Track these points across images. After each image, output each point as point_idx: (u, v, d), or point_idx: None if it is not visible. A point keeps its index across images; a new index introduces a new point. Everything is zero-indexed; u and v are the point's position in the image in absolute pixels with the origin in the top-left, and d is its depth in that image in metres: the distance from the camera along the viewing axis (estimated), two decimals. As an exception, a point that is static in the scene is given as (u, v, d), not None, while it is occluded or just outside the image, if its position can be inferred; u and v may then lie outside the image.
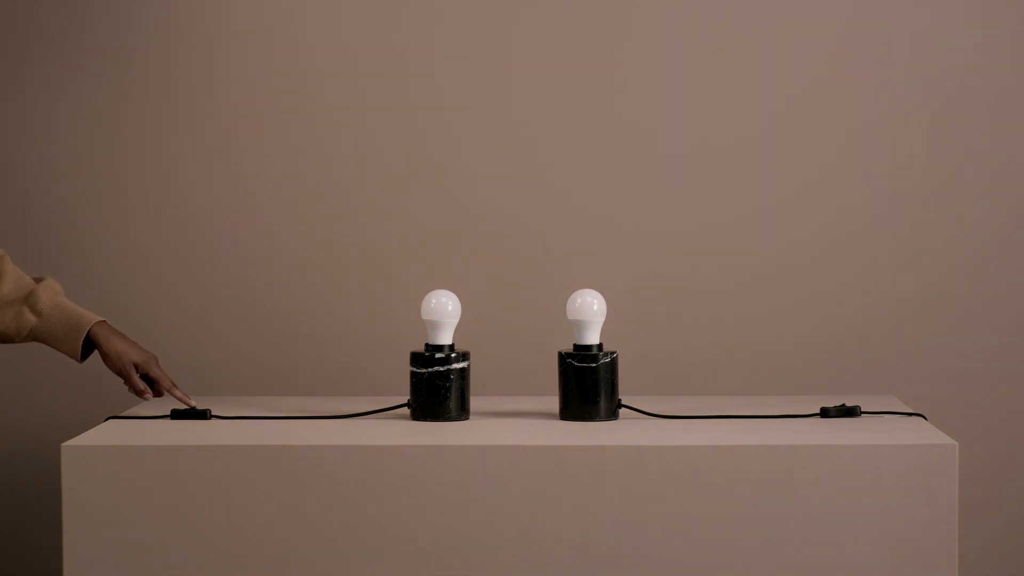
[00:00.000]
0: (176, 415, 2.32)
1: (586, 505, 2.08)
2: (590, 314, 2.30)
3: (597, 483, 2.09)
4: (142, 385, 2.34)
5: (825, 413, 2.32)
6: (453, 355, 2.29)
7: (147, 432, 2.21)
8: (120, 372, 2.33)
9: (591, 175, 2.87)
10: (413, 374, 2.30)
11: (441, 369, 2.28)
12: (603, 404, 2.28)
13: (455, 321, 2.32)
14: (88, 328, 2.31)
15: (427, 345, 2.31)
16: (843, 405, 2.33)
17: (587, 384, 2.28)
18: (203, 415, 2.32)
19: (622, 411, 2.33)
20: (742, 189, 2.86)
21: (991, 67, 2.83)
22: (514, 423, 2.29)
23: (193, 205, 2.87)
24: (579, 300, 2.31)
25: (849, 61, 2.83)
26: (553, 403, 2.37)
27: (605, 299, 2.32)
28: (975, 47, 2.83)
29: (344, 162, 2.87)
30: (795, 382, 2.85)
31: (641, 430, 2.22)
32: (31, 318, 2.29)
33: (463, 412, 2.30)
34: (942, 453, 2.08)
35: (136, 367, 2.34)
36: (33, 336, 2.31)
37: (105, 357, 2.33)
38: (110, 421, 2.32)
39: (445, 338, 2.31)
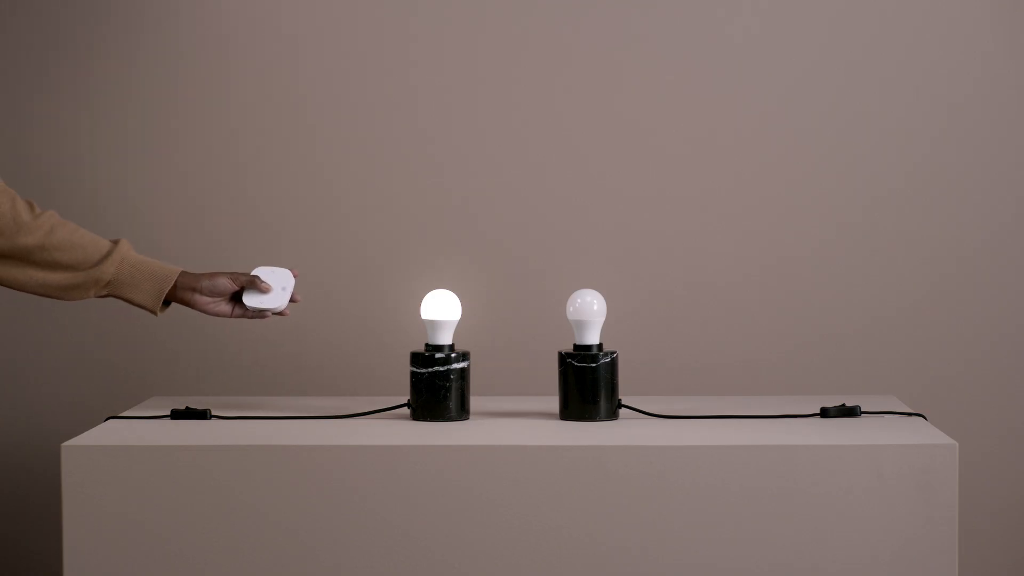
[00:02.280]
0: (176, 415, 2.32)
1: (586, 505, 2.08)
2: (590, 314, 2.30)
3: (597, 483, 2.08)
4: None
5: (825, 413, 2.32)
6: (453, 355, 2.29)
7: (147, 432, 2.21)
8: (241, 284, 2.29)
9: (591, 175, 2.87)
10: (413, 374, 2.30)
11: (441, 369, 2.28)
12: (603, 404, 2.28)
13: (455, 321, 2.32)
14: (174, 279, 2.27)
15: (427, 345, 2.31)
16: (843, 405, 2.33)
17: (587, 384, 2.28)
18: (203, 415, 2.31)
19: (622, 411, 2.33)
20: (743, 189, 2.86)
21: (991, 74, 2.83)
22: (514, 423, 2.29)
23: (193, 205, 2.87)
24: (579, 300, 2.31)
25: (853, 65, 2.83)
26: (553, 403, 2.37)
27: (605, 299, 2.32)
28: (980, 54, 2.83)
29: (345, 162, 2.87)
30: (795, 382, 2.85)
31: (641, 430, 2.22)
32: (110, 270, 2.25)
33: (463, 412, 2.30)
34: (942, 453, 2.08)
35: (232, 279, 2.30)
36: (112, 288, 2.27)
37: (206, 291, 2.29)
38: (110, 421, 2.31)
39: (445, 338, 2.31)
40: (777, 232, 2.86)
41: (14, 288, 2.24)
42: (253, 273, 2.31)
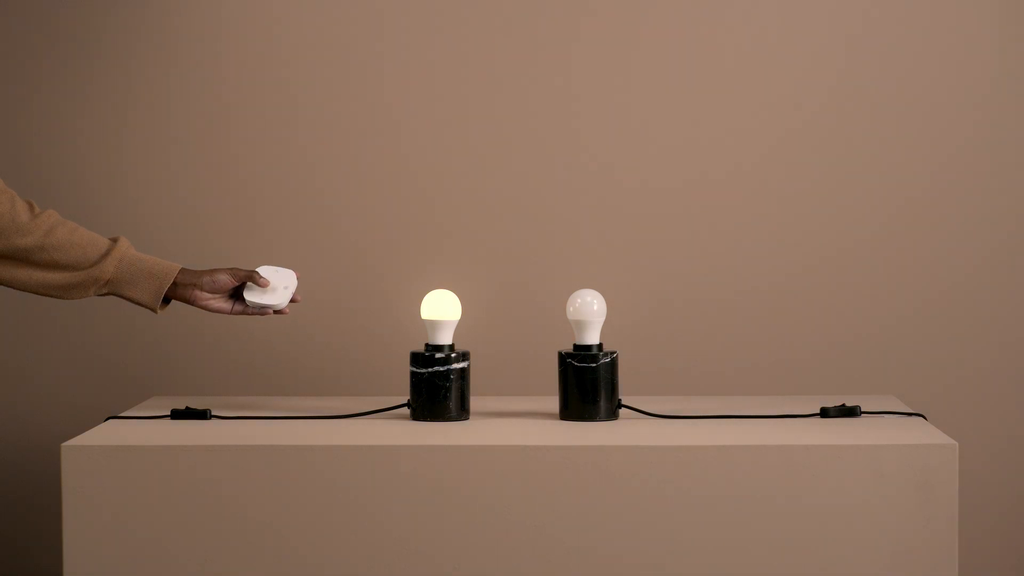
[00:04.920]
0: (176, 415, 2.32)
1: (586, 505, 2.08)
2: (590, 314, 2.30)
3: (597, 483, 2.08)
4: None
5: (825, 413, 2.32)
6: (453, 355, 2.29)
7: (147, 432, 2.21)
8: (241, 279, 2.29)
9: (591, 175, 2.87)
10: (413, 374, 2.30)
11: (441, 369, 2.28)
12: (603, 404, 2.28)
13: (455, 321, 2.32)
14: (173, 276, 2.27)
15: (427, 345, 2.31)
16: (843, 405, 2.33)
17: (587, 384, 2.28)
18: (203, 415, 2.32)
19: (622, 411, 2.33)
20: (743, 189, 2.86)
21: (998, 83, 2.83)
22: (514, 423, 2.29)
23: (193, 205, 2.87)
24: (579, 300, 2.31)
25: (866, 73, 2.83)
26: (553, 403, 2.37)
27: (605, 299, 2.32)
28: (987, 62, 2.83)
29: (345, 162, 2.87)
30: (795, 382, 2.85)
31: (641, 430, 2.22)
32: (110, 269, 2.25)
33: (463, 412, 2.30)
34: (942, 453, 2.08)
35: (232, 274, 2.30)
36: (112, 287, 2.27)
37: (206, 287, 2.29)
38: (110, 421, 2.31)
39: (445, 338, 2.31)
40: (777, 233, 2.86)
41: (15, 288, 2.24)
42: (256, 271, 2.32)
